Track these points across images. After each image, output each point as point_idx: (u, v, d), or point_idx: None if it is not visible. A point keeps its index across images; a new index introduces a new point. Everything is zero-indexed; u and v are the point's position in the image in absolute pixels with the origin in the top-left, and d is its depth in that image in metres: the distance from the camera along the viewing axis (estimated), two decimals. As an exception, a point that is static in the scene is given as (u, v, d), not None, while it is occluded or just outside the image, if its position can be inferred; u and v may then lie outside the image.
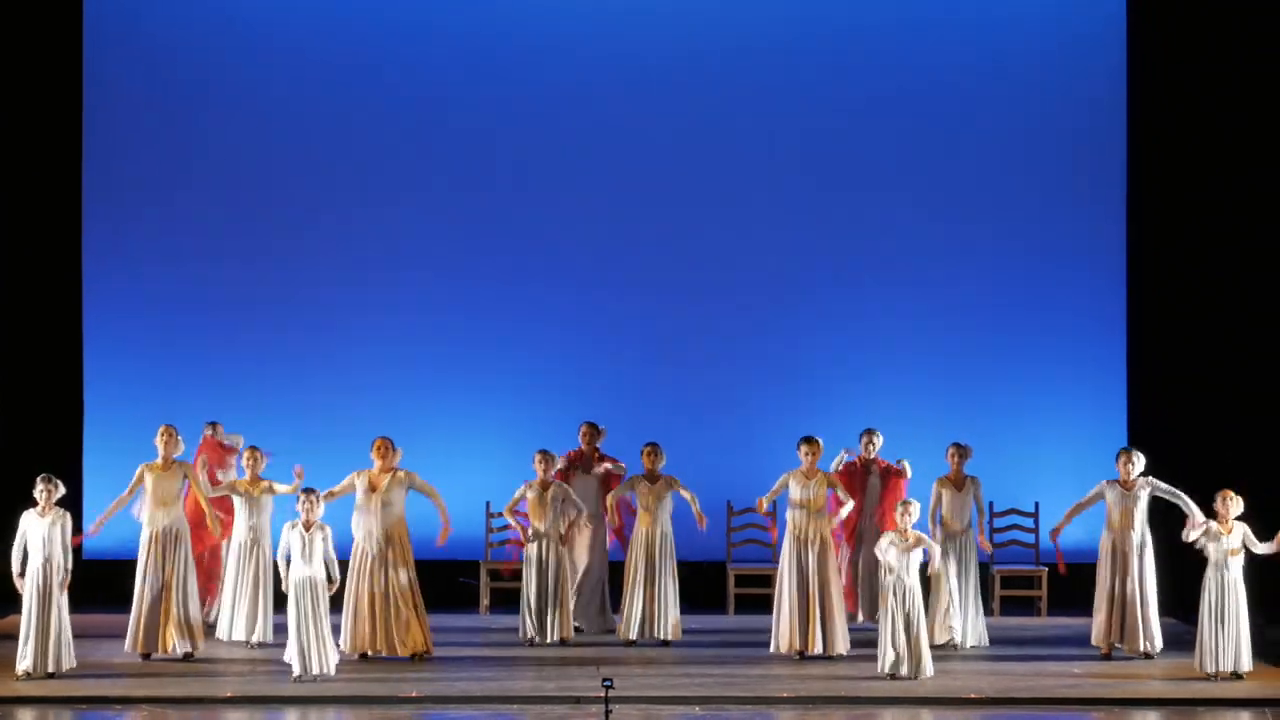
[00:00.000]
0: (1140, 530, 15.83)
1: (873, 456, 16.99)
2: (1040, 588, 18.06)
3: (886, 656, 15.00)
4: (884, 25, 18.77)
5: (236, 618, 16.20)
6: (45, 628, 14.90)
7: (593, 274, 18.79)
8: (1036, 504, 18.24)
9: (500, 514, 18.16)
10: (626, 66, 18.78)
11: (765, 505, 16.11)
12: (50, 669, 14.92)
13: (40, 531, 14.93)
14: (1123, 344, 18.79)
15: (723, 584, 18.28)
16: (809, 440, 15.96)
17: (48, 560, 14.94)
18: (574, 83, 18.79)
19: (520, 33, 18.77)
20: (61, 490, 15.06)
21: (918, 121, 18.76)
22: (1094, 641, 15.99)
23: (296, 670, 14.76)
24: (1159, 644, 15.89)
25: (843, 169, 18.80)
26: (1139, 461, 15.87)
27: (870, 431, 17.01)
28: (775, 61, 18.80)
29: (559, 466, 16.65)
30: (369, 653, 15.70)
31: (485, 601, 18.17)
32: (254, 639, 16.15)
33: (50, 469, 15.35)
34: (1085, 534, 16.51)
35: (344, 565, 15.64)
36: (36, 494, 14.99)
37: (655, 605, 16.34)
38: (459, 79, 18.78)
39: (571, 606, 16.56)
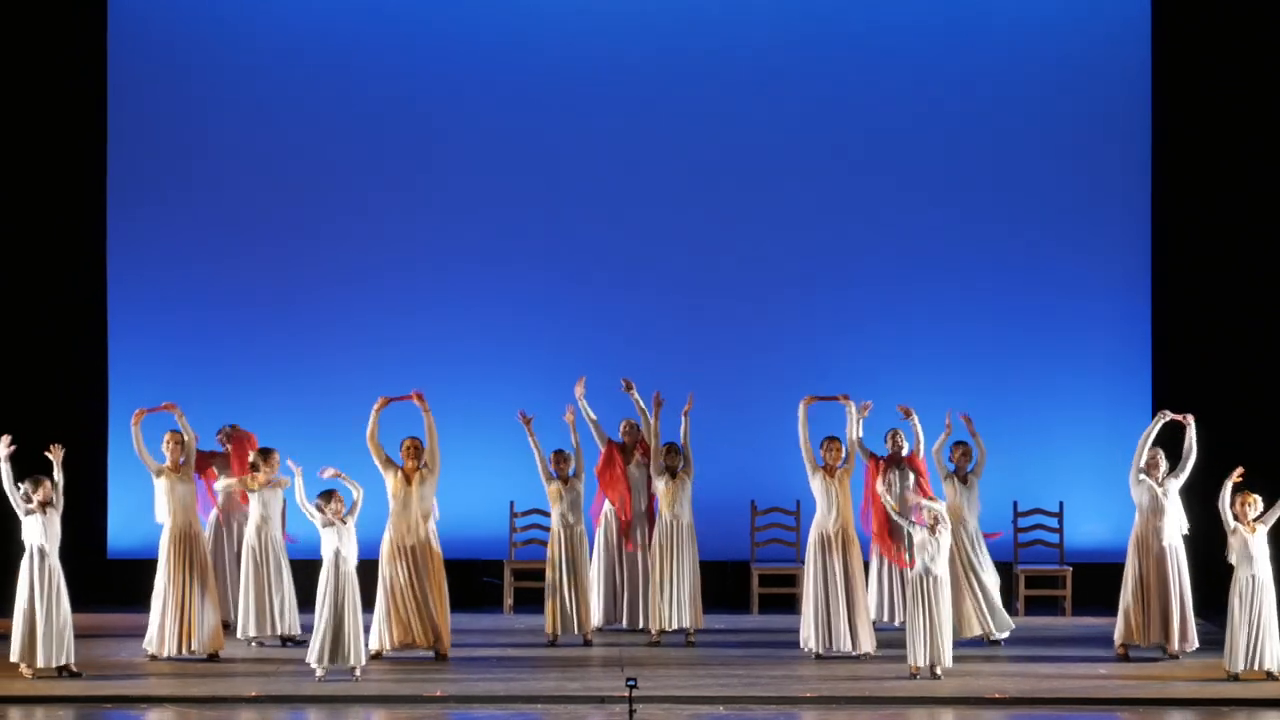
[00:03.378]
0: (1171, 528, 15.78)
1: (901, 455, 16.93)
2: (1065, 587, 18.02)
3: (914, 651, 14.97)
4: (905, 23, 18.73)
5: (260, 615, 16.20)
6: (49, 622, 14.90)
7: (618, 273, 18.78)
8: (1061, 503, 18.21)
9: (523, 514, 18.20)
10: (639, 62, 18.74)
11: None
12: (59, 663, 14.92)
13: (37, 528, 14.96)
14: (1147, 342, 18.74)
15: (747, 583, 18.27)
16: (832, 439, 15.94)
17: (44, 557, 14.96)
18: (587, 81, 18.77)
19: (532, 33, 18.74)
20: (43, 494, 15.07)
21: (940, 118, 18.73)
22: (1119, 641, 15.91)
23: (320, 669, 14.76)
24: (1194, 643, 15.82)
25: (865, 166, 18.77)
26: (1162, 462, 15.84)
27: (895, 432, 16.93)
28: (795, 60, 18.77)
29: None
30: (385, 651, 15.68)
31: (509, 601, 18.16)
32: (281, 632, 16.19)
33: (75, 467, 15.40)
34: (1111, 533, 16.48)
35: (373, 564, 15.69)
36: (23, 494, 14.99)
37: (678, 597, 16.34)
38: (477, 79, 18.76)
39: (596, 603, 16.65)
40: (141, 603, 16.12)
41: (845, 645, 15.73)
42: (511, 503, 18.27)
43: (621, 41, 18.75)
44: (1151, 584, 15.81)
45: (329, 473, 15.07)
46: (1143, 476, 15.81)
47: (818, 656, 15.76)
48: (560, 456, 16.45)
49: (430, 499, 15.85)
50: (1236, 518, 15.03)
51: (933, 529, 15.04)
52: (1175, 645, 15.73)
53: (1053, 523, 18.25)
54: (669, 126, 18.74)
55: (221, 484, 16.66)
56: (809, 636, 15.84)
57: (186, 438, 15.83)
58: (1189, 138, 18.63)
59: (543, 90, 18.77)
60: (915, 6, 18.75)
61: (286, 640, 16.27)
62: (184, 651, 15.59)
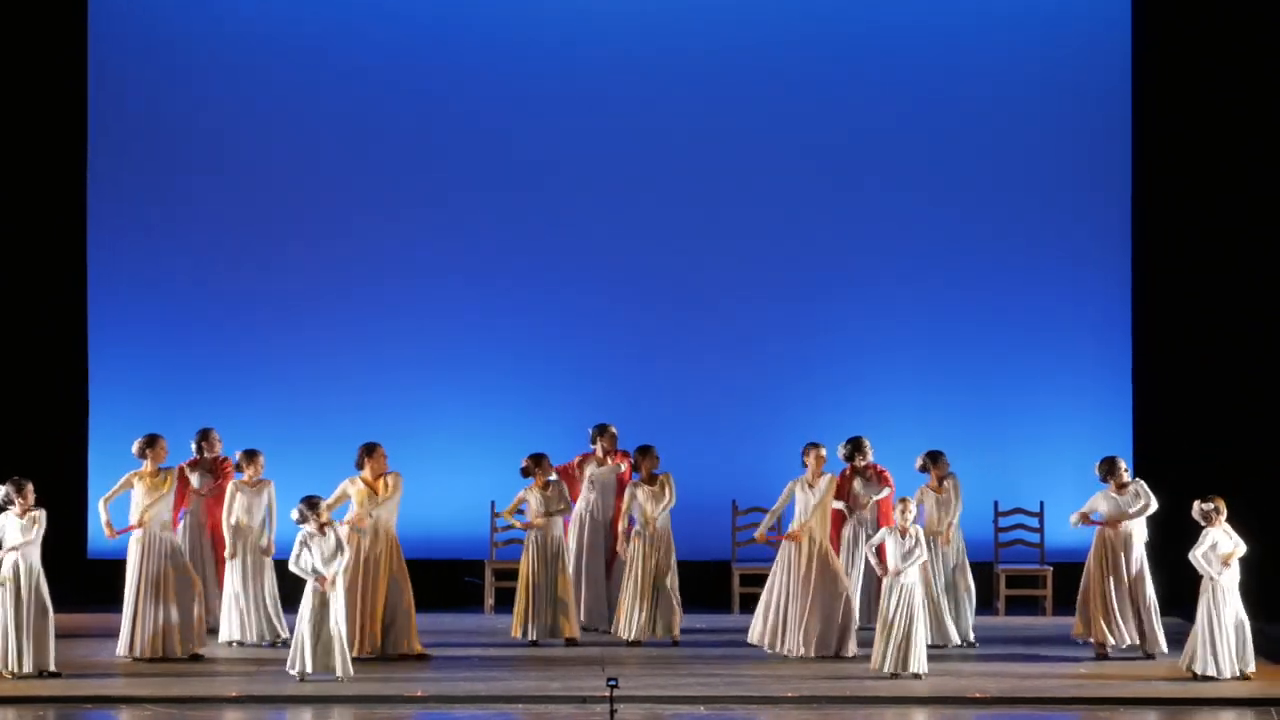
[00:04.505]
0: (1133, 533, 15.86)
1: (861, 464, 16.90)
2: (1045, 587, 18.05)
3: (881, 654, 14.98)
4: (900, 27, 18.73)
5: (247, 619, 16.20)
6: (27, 626, 14.88)
7: (598, 274, 18.78)
8: (1041, 503, 18.24)
9: (503, 514, 18.21)
10: (638, 66, 18.74)
11: (764, 533, 16.16)
12: (33, 669, 14.91)
13: (15, 532, 14.96)
14: (1128, 342, 18.78)
15: (727, 583, 18.28)
16: (814, 446, 15.95)
17: (20, 560, 14.96)
18: (584, 83, 18.76)
19: (530, 35, 18.73)
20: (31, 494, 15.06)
21: (924, 123, 18.74)
22: (1096, 639, 15.97)
23: (303, 670, 14.75)
24: (1163, 645, 15.86)
25: (851, 170, 18.78)
26: (1124, 467, 15.91)
27: (856, 441, 16.94)
28: (785, 66, 18.75)
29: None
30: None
31: (490, 601, 18.16)
32: (271, 638, 16.18)
33: (55, 471, 15.38)
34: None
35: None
36: (4, 497, 15.00)
37: (661, 605, 16.34)
38: (470, 80, 18.75)
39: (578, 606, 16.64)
40: (119, 603, 16.09)
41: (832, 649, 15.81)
42: (492, 503, 18.26)
43: (617, 45, 18.73)
44: (1111, 584, 15.85)
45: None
46: (1104, 487, 15.90)
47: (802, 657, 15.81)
48: (537, 459, 16.40)
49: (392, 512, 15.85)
50: (1209, 521, 15.06)
51: (903, 533, 15.06)
52: (1124, 643, 15.78)
53: (1033, 522, 18.28)
54: (660, 130, 18.73)
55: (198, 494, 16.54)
56: (767, 633, 15.89)
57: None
58: (1170, 141, 18.63)
59: (534, 93, 18.75)
60: (910, 13, 18.74)
61: (271, 642, 16.23)
62: (162, 654, 15.59)
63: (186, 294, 18.68)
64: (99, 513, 15.81)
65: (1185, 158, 18.62)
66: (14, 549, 14.86)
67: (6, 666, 14.88)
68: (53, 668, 14.95)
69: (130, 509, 15.74)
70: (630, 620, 16.36)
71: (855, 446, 16.82)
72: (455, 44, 18.78)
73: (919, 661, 14.96)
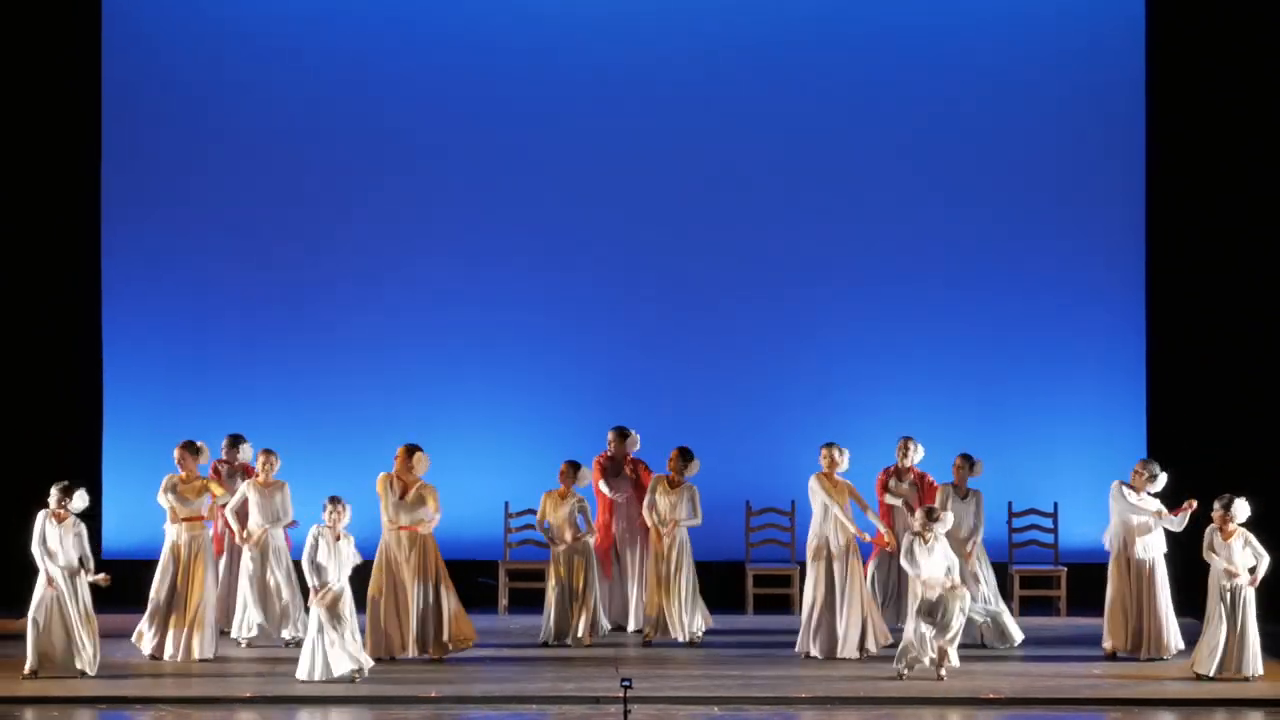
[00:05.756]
0: (1151, 535, 15.83)
1: (908, 465, 16.92)
2: (1059, 587, 18.03)
3: (907, 654, 15.01)
4: (902, 28, 18.70)
5: (261, 619, 16.26)
6: (65, 629, 14.98)
7: (614, 273, 18.75)
8: (1055, 504, 18.22)
9: (518, 514, 18.20)
10: (647, 63, 18.70)
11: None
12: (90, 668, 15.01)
13: (56, 536, 15.04)
14: (1142, 343, 18.74)
15: (741, 584, 18.26)
16: (828, 446, 15.96)
17: (65, 566, 15.03)
18: (597, 80, 18.72)
19: (537, 37, 18.70)
20: (77, 503, 15.09)
21: (937, 123, 18.70)
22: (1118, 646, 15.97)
23: (306, 675, 14.78)
24: (1176, 647, 15.84)
25: (863, 171, 18.73)
26: (1158, 475, 15.86)
27: (905, 441, 16.97)
28: (789, 66, 18.70)
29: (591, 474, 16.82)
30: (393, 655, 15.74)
31: (504, 602, 18.17)
32: (287, 636, 16.21)
33: (70, 469, 15.46)
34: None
35: (368, 566, 15.73)
36: (51, 502, 15.07)
37: (678, 606, 16.36)
38: (480, 80, 18.71)
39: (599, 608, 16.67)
40: (137, 604, 16.12)
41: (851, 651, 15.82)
42: (506, 503, 18.27)
43: (621, 47, 18.68)
44: (1129, 591, 15.84)
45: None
46: (1127, 492, 15.86)
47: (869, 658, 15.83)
48: (572, 466, 16.43)
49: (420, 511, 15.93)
50: (1215, 520, 15.08)
51: (922, 535, 15.06)
52: (1146, 651, 15.76)
53: (1047, 523, 18.26)
54: (666, 129, 18.69)
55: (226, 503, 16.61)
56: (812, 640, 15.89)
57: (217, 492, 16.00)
58: (1183, 140, 18.61)
59: (536, 96, 18.71)
60: (918, 14, 18.72)
61: (289, 642, 16.25)
62: (178, 656, 15.66)
63: (200, 293, 18.66)
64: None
65: (1200, 159, 18.56)
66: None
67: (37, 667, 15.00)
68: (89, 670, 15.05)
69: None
70: (676, 619, 16.39)
71: (901, 446, 16.85)
72: (463, 44, 18.73)
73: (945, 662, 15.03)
